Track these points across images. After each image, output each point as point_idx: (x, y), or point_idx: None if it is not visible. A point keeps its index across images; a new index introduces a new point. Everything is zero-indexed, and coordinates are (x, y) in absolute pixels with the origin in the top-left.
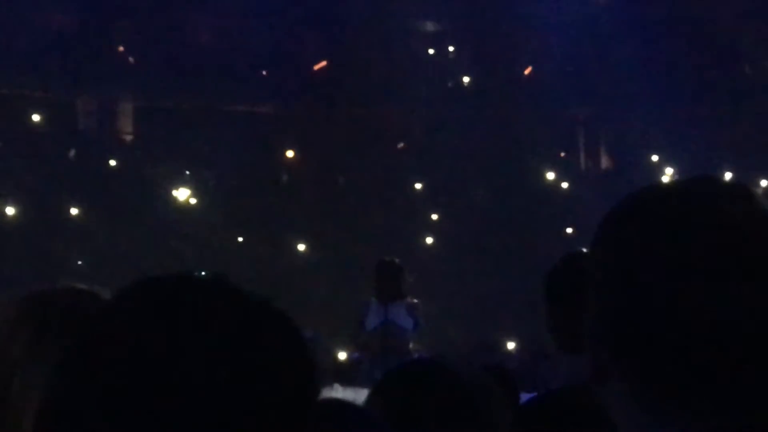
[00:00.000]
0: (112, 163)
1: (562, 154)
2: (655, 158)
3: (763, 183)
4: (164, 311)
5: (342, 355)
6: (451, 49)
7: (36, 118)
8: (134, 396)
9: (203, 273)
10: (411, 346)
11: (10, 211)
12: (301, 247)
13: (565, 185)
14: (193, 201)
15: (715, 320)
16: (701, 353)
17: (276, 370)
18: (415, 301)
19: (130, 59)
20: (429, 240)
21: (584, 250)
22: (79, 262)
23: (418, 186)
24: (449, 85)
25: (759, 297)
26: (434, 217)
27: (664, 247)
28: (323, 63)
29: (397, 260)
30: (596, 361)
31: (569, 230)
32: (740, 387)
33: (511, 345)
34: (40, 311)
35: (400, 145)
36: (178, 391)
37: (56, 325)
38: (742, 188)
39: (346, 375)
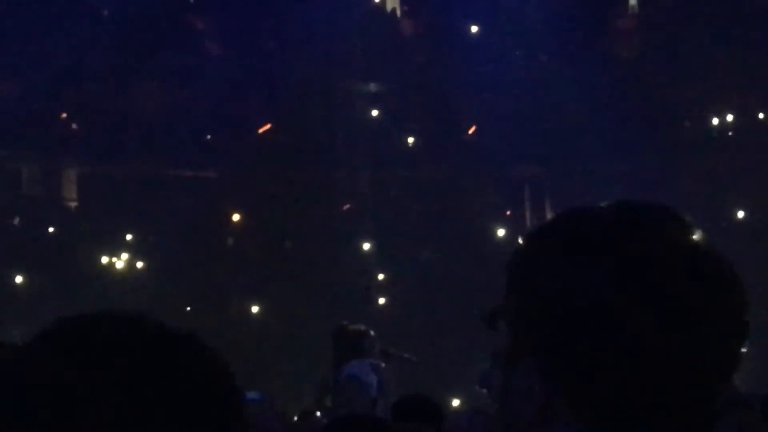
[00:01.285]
0: (56, 229)
1: (508, 213)
2: None
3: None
4: (77, 346)
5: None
6: (394, 109)
7: None
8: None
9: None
10: (375, 407)
11: None
12: (254, 309)
13: (513, 242)
14: (138, 267)
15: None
16: (635, 386)
17: (202, 401)
18: (382, 364)
19: (74, 125)
20: (381, 300)
21: None
22: (16, 331)
23: (365, 246)
24: (394, 145)
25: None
26: (382, 277)
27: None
28: (267, 126)
29: (362, 327)
30: (540, 396)
31: None
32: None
33: (456, 402)
34: None
35: (347, 206)
36: (92, 423)
37: None
38: (667, 212)
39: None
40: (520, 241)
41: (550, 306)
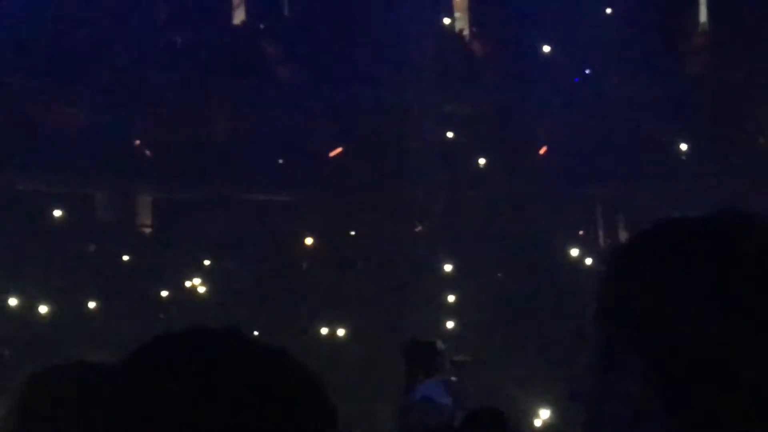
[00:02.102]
0: (130, 255)
1: (581, 233)
2: None
3: None
4: (177, 368)
5: None
6: (466, 130)
7: (56, 213)
8: None
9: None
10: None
11: (28, 306)
12: (326, 331)
13: (588, 262)
14: (213, 291)
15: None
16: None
17: (297, 413)
18: (454, 379)
19: (147, 152)
20: (449, 324)
21: None
22: (92, 357)
23: (438, 268)
24: (466, 166)
25: None
26: (454, 298)
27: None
28: (338, 149)
29: (433, 341)
30: (637, 401)
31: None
32: None
33: (545, 414)
34: (46, 390)
35: (418, 228)
36: None
37: (64, 402)
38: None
39: None
40: (618, 248)
41: (657, 311)
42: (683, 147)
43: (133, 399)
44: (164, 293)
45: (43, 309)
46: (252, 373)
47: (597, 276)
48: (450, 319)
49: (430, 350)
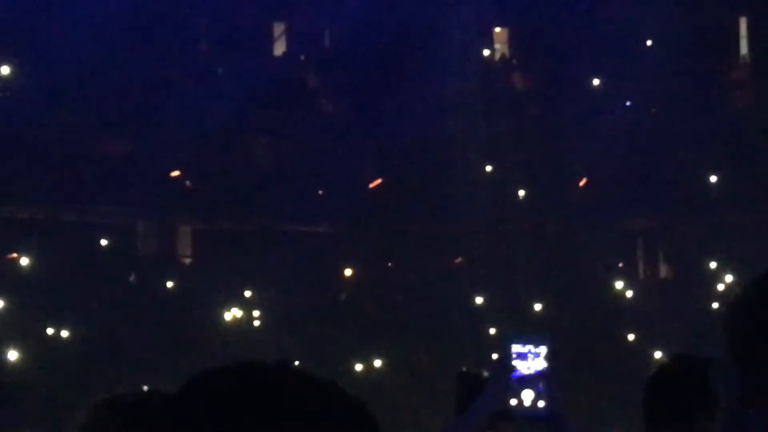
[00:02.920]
0: (172, 285)
1: (620, 265)
2: (713, 265)
3: None
4: (233, 399)
5: None
6: (507, 162)
7: (102, 242)
8: None
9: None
10: None
11: (70, 334)
12: (365, 364)
13: (629, 294)
14: (254, 321)
15: None
16: None
17: None
18: None
19: (187, 183)
20: (493, 356)
21: None
22: (144, 387)
23: (478, 301)
24: (505, 199)
25: None
26: (494, 331)
27: None
28: (378, 180)
29: (484, 372)
30: None
31: (631, 337)
32: None
33: None
34: (107, 417)
35: (458, 260)
36: None
37: (121, 429)
38: None
39: None
40: (747, 287)
41: None
42: (723, 180)
43: (193, 429)
44: (204, 323)
45: (86, 337)
46: (305, 406)
47: (723, 318)
48: (492, 352)
49: (481, 382)
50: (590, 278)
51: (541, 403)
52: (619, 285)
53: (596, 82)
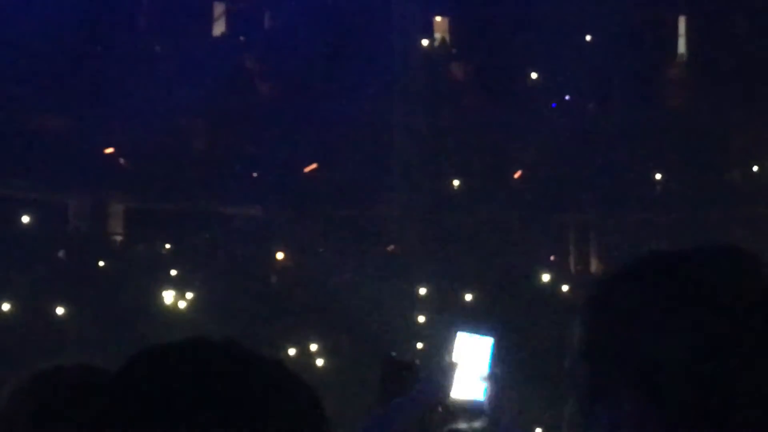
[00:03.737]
0: (102, 263)
1: (552, 258)
2: None
3: None
4: (177, 376)
5: None
6: (441, 151)
7: (26, 219)
8: None
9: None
10: None
11: None
12: (294, 350)
13: (565, 288)
14: (182, 304)
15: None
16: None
17: (293, 420)
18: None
19: (121, 160)
20: (419, 345)
21: None
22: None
23: (409, 289)
24: (439, 188)
25: None
26: (424, 319)
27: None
28: (313, 165)
29: (409, 360)
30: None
31: (559, 329)
32: None
33: None
34: (45, 390)
35: (391, 247)
36: None
37: (60, 404)
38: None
39: None
40: (601, 281)
41: (641, 345)
42: (658, 177)
43: (136, 406)
44: (134, 302)
45: (12, 314)
46: (254, 383)
47: (577, 308)
48: (421, 340)
49: (406, 369)
50: (522, 270)
51: (481, 394)
52: (549, 277)
53: (535, 75)
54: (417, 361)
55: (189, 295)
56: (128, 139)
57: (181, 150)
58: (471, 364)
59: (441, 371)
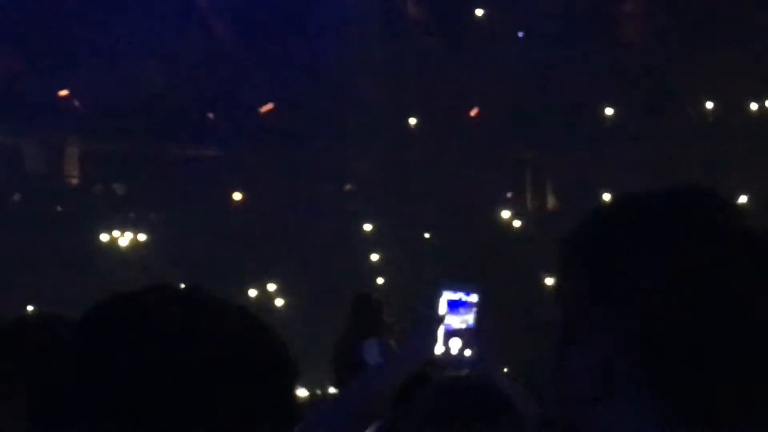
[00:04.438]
0: (58, 206)
1: (509, 195)
2: (606, 197)
3: None
4: (144, 325)
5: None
6: (397, 92)
7: None
8: (126, 412)
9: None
10: None
11: None
12: (255, 290)
13: (517, 224)
14: (140, 244)
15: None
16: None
17: (261, 365)
18: (392, 342)
19: (76, 103)
20: (379, 281)
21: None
22: (30, 307)
23: (366, 227)
24: (397, 127)
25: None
26: (379, 257)
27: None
28: (270, 105)
29: (375, 295)
30: (599, 374)
31: (518, 266)
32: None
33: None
34: (7, 342)
35: (348, 186)
36: (170, 397)
37: (21, 362)
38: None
39: None
40: (579, 223)
41: (619, 288)
42: (610, 112)
43: (100, 354)
44: (91, 244)
45: None
46: (220, 332)
47: (555, 252)
48: (379, 277)
49: (377, 308)
50: (478, 207)
51: (468, 352)
52: (507, 215)
53: (488, 13)
54: (382, 298)
55: (146, 237)
56: (83, 81)
57: (135, 91)
58: (455, 321)
59: (426, 328)
